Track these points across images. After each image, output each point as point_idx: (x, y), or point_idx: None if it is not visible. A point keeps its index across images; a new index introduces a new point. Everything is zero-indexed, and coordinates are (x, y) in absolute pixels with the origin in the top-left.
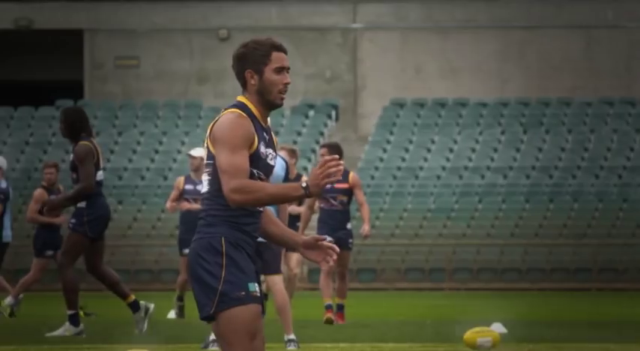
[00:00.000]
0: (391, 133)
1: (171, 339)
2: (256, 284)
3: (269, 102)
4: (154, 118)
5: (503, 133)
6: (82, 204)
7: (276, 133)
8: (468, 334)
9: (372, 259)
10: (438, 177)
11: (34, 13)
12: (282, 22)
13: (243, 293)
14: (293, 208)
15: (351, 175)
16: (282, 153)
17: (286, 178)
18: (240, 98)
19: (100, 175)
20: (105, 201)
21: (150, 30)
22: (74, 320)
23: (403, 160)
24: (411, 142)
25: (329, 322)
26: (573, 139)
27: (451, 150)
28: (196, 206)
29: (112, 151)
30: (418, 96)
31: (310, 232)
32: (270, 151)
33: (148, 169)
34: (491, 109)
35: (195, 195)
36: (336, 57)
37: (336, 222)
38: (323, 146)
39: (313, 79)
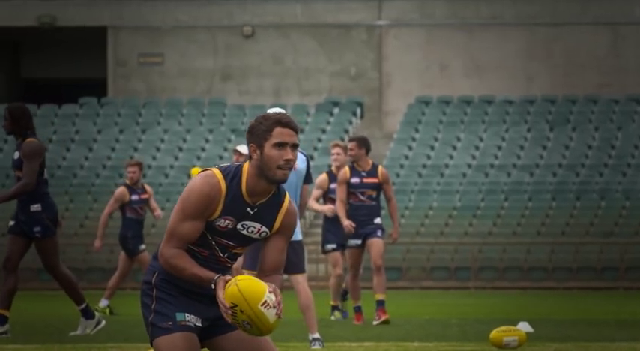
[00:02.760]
0: (416, 130)
1: None
2: (187, 314)
3: (267, 177)
4: (177, 115)
5: (529, 130)
6: (36, 207)
7: (301, 131)
8: (494, 333)
9: (398, 258)
10: (464, 175)
11: (58, 10)
12: (307, 18)
13: (170, 323)
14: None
15: (381, 170)
16: (337, 150)
17: (308, 172)
18: (245, 165)
19: (45, 173)
20: (52, 199)
21: (174, 27)
22: (87, 313)
23: (428, 157)
24: (436, 139)
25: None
26: (600, 137)
27: (477, 148)
28: None
29: (135, 149)
30: (443, 93)
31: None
32: (251, 225)
33: (171, 167)
34: (517, 106)
35: None
36: (361, 54)
37: (365, 217)
38: (352, 140)
39: (338, 76)
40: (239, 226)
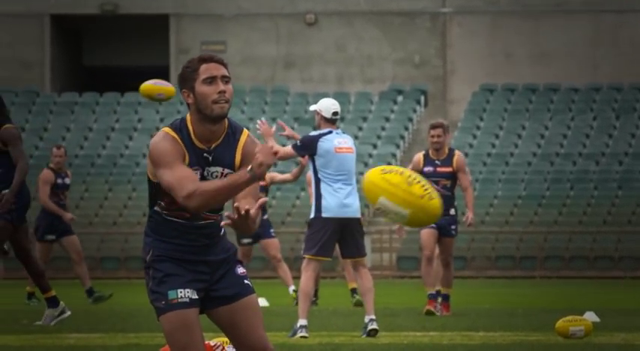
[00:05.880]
0: (481, 118)
1: None
2: (179, 290)
3: (207, 116)
4: (240, 103)
5: (595, 118)
6: (6, 190)
7: (364, 119)
8: (560, 323)
9: (462, 247)
10: (529, 163)
11: None
12: (371, 6)
13: (163, 302)
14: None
15: (457, 157)
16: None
17: None
18: (187, 116)
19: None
20: (26, 186)
21: (236, 15)
22: None
23: (493, 146)
24: (501, 128)
25: (429, 313)
26: None
27: (542, 136)
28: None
29: None
30: (508, 81)
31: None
32: (214, 170)
33: None
34: (582, 94)
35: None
36: (425, 42)
37: None
38: (437, 126)
39: (402, 64)
40: (205, 173)
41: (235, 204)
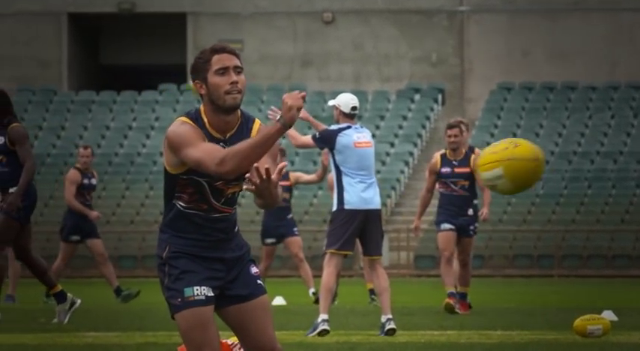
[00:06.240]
0: (498, 117)
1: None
2: (195, 288)
3: (220, 107)
4: (257, 102)
5: (613, 117)
6: (13, 189)
7: (382, 118)
8: (578, 322)
9: (480, 246)
10: (547, 162)
11: None
12: (388, 4)
13: (179, 300)
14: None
15: (474, 156)
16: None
17: None
18: (201, 106)
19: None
20: (33, 185)
21: (253, 13)
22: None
23: None
24: (518, 126)
25: (449, 308)
26: None
27: (560, 134)
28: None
29: None
30: (526, 79)
31: (428, 218)
32: None
33: None
34: (600, 92)
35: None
36: (443, 40)
37: (457, 208)
38: (453, 126)
39: (419, 62)
40: None
41: (255, 165)
